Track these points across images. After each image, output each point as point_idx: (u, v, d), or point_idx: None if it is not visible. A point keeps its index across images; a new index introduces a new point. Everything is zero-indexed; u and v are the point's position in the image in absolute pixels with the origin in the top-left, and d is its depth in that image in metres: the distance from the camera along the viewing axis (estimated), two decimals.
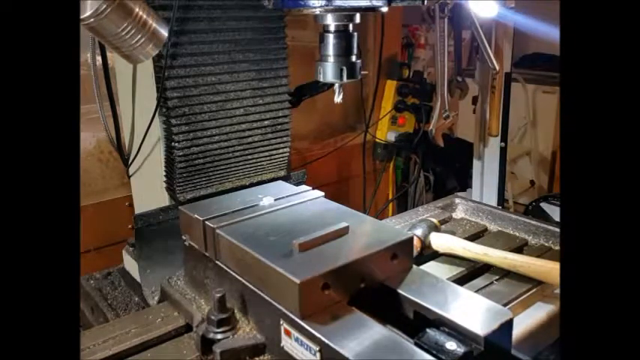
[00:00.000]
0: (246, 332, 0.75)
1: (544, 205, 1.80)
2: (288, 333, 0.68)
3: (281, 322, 0.69)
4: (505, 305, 0.86)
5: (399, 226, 1.09)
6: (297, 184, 1.06)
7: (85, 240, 1.50)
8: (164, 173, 0.98)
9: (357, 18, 0.78)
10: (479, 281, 0.93)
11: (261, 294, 0.72)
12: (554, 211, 1.75)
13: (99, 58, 1.05)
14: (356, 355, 0.60)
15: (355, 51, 0.81)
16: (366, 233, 0.79)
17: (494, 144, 1.77)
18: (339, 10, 0.74)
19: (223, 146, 0.97)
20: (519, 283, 0.91)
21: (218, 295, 0.73)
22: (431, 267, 0.97)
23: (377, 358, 0.60)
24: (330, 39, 0.80)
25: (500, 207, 1.67)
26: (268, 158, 1.04)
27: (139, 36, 0.77)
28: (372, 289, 0.72)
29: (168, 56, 0.86)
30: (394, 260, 0.75)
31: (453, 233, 1.06)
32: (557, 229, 1.05)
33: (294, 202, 0.89)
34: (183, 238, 0.88)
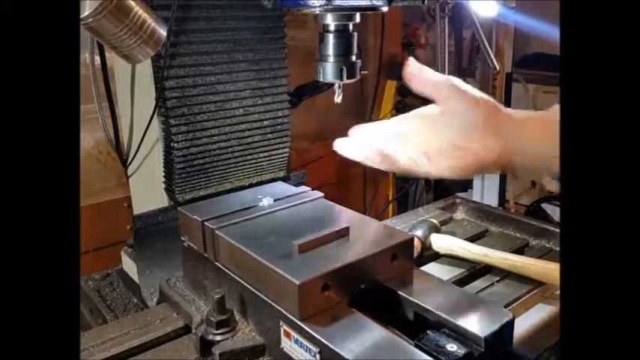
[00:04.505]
0: (246, 334, 0.74)
1: (545, 206, 1.79)
2: (287, 334, 0.68)
3: (280, 324, 0.68)
4: (506, 306, 0.86)
5: (399, 227, 1.09)
6: (297, 184, 1.05)
7: (83, 241, 1.49)
8: (163, 174, 0.97)
9: (357, 17, 0.78)
10: (479, 282, 0.93)
11: (261, 295, 0.72)
12: (555, 212, 1.75)
13: (97, 58, 1.05)
14: (356, 356, 0.59)
15: (355, 51, 0.81)
16: (366, 234, 0.79)
17: None
18: (338, 9, 0.73)
19: (222, 146, 0.96)
20: (520, 285, 0.91)
21: (217, 296, 0.73)
22: (431, 268, 0.97)
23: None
24: (330, 39, 0.80)
25: (501, 208, 1.66)
26: (268, 159, 1.04)
27: (138, 36, 0.77)
28: (373, 291, 0.72)
29: (167, 56, 0.86)
30: (394, 261, 0.75)
31: (454, 234, 1.06)
32: (558, 230, 1.05)
33: (293, 202, 0.89)
34: (182, 239, 0.88)
